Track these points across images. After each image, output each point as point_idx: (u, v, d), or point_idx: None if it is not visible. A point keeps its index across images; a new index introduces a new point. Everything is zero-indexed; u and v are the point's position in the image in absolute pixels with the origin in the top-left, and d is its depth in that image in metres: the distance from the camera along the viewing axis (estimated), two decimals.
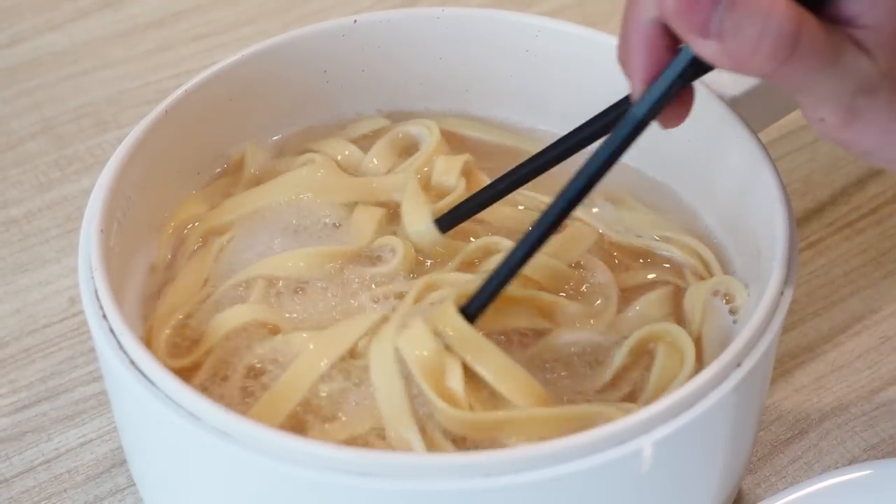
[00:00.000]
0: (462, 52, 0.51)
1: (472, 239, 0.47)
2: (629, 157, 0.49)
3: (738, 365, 0.39)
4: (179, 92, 0.47)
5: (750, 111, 0.48)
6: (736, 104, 0.48)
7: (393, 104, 0.52)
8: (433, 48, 0.51)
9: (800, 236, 0.56)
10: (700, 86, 0.48)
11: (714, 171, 0.48)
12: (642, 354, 0.44)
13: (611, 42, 0.49)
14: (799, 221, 0.57)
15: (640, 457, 0.38)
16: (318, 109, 0.52)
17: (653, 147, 0.50)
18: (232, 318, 0.44)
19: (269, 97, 0.50)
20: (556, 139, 0.46)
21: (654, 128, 0.49)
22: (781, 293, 0.41)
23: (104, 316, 0.40)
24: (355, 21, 0.50)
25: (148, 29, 0.69)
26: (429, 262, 0.46)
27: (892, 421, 0.50)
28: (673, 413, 0.38)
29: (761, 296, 0.41)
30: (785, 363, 0.52)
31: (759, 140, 0.46)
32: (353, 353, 0.43)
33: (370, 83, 0.52)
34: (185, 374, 0.43)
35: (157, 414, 0.38)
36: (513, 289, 0.43)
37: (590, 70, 0.50)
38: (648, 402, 0.40)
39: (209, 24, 0.70)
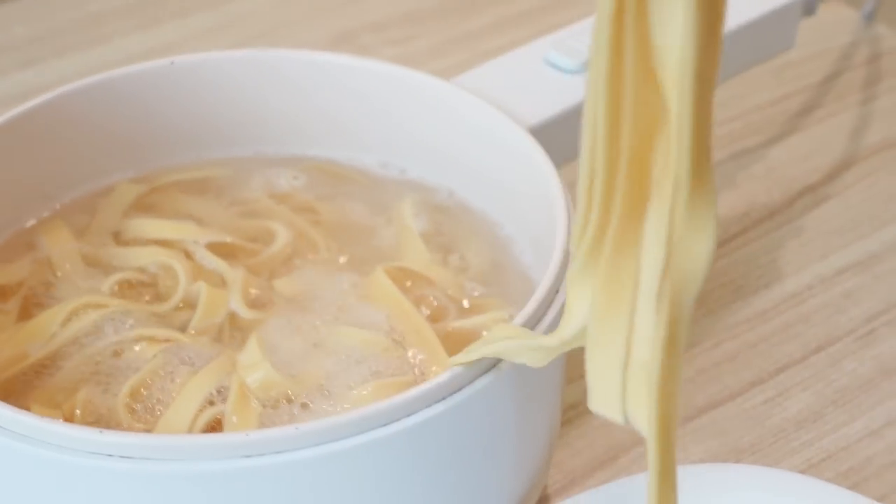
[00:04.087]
0: (275, 94, 0.53)
1: None
2: (456, 185, 0.51)
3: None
4: None
5: (549, 141, 0.49)
6: (536, 133, 0.49)
7: (211, 150, 0.54)
8: (248, 90, 0.53)
9: None
10: (504, 117, 0.49)
11: (523, 202, 0.50)
12: None
13: (416, 77, 0.51)
14: None
15: (406, 437, 0.38)
16: (135, 156, 0.53)
17: (473, 176, 0.51)
18: None
19: (78, 141, 0.51)
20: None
21: (472, 156, 0.50)
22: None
23: None
24: (172, 63, 0.52)
25: None
26: None
27: (702, 444, 0.51)
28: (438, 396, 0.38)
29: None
30: None
31: (554, 171, 0.47)
32: None
33: (185, 128, 0.53)
34: None
35: None
36: None
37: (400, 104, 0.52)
38: None
39: None
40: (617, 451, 0.51)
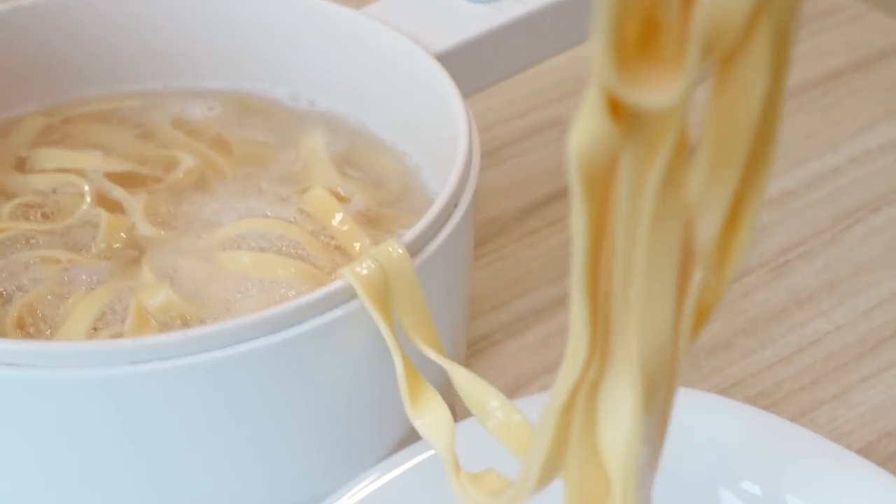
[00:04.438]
0: (181, 26, 0.52)
1: None
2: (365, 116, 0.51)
3: None
4: None
5: (456, 69, 0.49)
6: (443, 61, 0.49)
7: (121, 82, 0.53)
8: (154, 22, 0.52)
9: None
10: (411, 43, 0.49)
11: (429, 130, 0.49)
12: None
13: (323, 6, 0.51)
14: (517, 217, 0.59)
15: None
16: (46, 88, 0.52)
17: (382, 106, 0.51)
18: None
19: None
20: None
21: (380, 86, 0.50)
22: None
23: None
24: None
25: None
26: None
27: None
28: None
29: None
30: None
31: (460, 98, 0.47)
32: None
33: (94, 61, 0.52)
34: None
35: None
36: None
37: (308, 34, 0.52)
38: None
39: None
40: (527, 379, 0.51)
